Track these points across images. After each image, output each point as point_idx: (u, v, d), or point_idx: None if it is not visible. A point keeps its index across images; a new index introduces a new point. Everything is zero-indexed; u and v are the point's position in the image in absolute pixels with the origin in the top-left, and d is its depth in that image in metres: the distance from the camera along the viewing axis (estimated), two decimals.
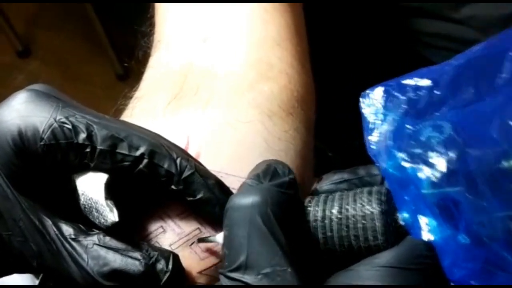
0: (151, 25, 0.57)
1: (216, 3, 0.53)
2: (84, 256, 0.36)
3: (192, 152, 0.42)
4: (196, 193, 0.39)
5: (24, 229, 0.37)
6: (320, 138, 0.53)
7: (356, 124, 0.78)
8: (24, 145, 0.37)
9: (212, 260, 0.40)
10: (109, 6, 1.78)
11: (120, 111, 0.50)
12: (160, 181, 0.39)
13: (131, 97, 0.51)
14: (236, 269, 0.34)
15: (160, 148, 0.38)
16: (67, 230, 0.37)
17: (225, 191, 0.40)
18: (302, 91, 0.50)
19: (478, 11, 0.68)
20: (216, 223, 0.40)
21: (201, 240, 0.40)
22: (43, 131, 0.37)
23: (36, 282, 0.44)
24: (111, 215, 0.37)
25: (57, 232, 0.37)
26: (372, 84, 0.79)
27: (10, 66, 1.92)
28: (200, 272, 0.40)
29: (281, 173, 0.38)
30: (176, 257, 0.38)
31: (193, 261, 0.40)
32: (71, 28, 1.94)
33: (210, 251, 0.40)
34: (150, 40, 0.56)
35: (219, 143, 0.44)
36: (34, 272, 0.40)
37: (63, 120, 0.38)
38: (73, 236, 0.37)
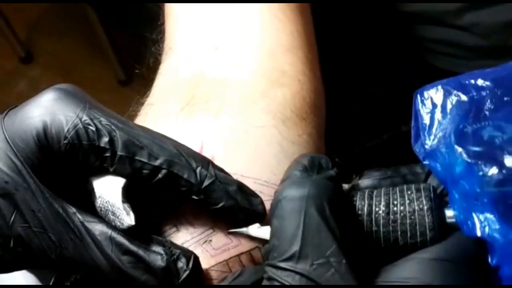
0: (162, 32, 0.57)
1: (226, 7, 0.53)
2: (108, 242, 0.37)
3: (206, 156, 0.43)
4: (218, 201, 0.39)
5: (43, 219, 0.38)
6: (324, 141, 0.54)
7: (357, 124, 0.79)
8: (48, 142, 0.38)
9: (223, 257, 0.41)
10: (111, 11, 1.78)
11: (131, 117, 0.51)
12: (180, 191, 0.39)
13: (142, 103, 0.51)
14: (288, 259, 0.34)
15: (179, 158, 0.39)
16: (91, 219, 0.38)
17: (248, 195, 0.40)
18: (314, 97, 0.51)
19: (481, 18, 0.69)
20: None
21: (232, 232, 0.40)
22: (67, 130, 0.38)
23: (37, 281, 0.45)
24: (128, 218, 0.38)
25: (81, 219, 0.38)
26: (374, 85, 0.79)
27: (12, 72, 1.91)
28: (210, 269, 0.40)
29: (325, 166, 0.38)
30: (196, 258, 0.38)
31: (205, 258, 0.40)
32: (73, 34, 1.94)
33: (221, 249, 0.41)
34: (160, 47, 0.57)
35: (233, 146, 0.45)
36: (51, 266, 0.40)
37: (88, 121, 0.38)
38: (98, 225, 0.38)
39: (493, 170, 0.35)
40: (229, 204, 0.39)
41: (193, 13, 0.54)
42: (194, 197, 0.39)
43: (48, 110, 0.38)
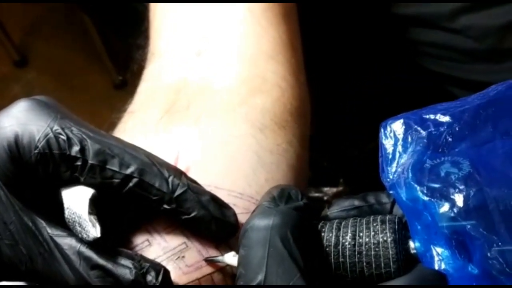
0: (146, 37, 0.57)
1: (210, 12, 0.52)
2: (76, 257, 0.37)
3: (181, 166, 0.42)
4: (190, 211, 0.39)
5: (14, 232, 0.38)
6: (316, 144, 0.53)
7: (353, 126, 0.79)
8: (19, 152, 0.37)
9: (195, 275, 0.40)
10: (106, 16, 1.79)
11: (114, 124, 0.50)
12: (152, 200, 0.39)
13: (125, 111, 0.51)
14: None
15: (151, 167, 0.38)
16: (60, 233, 0.37)
17: (221, 206, 0.40)
18: (296, 104, 0.50)
19: (475, 21, 0.68)
20: (213, 240, 0.40)
21: (209, 260, 0.40)
22: (38, 139, 0.37)
23: None
24: (94, 230, 0.37)
25: (50, 233, 0.37)
26: (367, 90, 0.79)
27: (7, 76, 1.91)
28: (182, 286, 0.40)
29: (294, 197, 0.38)
30: (167, 272, 0.38)
31: (177, 275, 0.40)
32: (68, 38, 1.94)
33: (194, 267, 0.40)
34: (144, 53, 0.56)
35: (209, 157, 0.44)
36: (21, 279, 0.39)
37: (59, 131, 0.38)
38: (66, 239, 0.37)
39: (445, 208, 0.35)
40: (201, 214, 0.39)
41: (176, 19, 0.54)
42: (166, 206, 0.39)
43: (19, 120, 0.38)
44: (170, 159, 0.42)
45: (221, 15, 0.52)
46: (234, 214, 0.40)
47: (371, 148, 0.80)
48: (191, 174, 0.41)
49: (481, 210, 0.35)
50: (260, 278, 0.34)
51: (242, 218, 0.41)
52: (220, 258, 0.39)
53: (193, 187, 0.39)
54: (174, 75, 0.50)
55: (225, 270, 0.41)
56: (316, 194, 0.58)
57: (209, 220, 0.39)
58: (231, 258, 0.39)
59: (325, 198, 0.43)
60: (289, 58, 0.52)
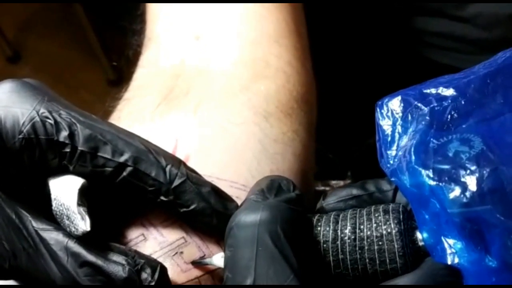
0: (142, 22, 0.55)
1: (210, 2, 0.51)
2: (64, 253, 0.34)
3: (180, 156, 0.40)
4: (189, 203, 0.36)
5: None
6: (320, 138, 0.51)
7: (355, 121, 0.77)
8: (1, 137, 0.35)
9: (194, 273, 0.38)
10: (101, 12, 1.78)
11: (108, 113, 0.48)
12: (147, 191, 0.36)
13: (119, 99, 0.48)
14: None
15: (147, 154, 0.36)
16: (46, 226, 0.35)
17: (222, 199, 0.37)
18: (302, 91, 0.48)
19: (484, 9, 0.67)
20: (213, 235, 0.38)
21: (196, 263, 0.37)
22: (23, 123, 0.35)
23: None
24: (83, 224, 0.34)
25: (35, 227, 0.34)
26: (372, 82, 0.77)
27: (0, 72, 1.90)
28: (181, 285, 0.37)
29: (285, 188, 0.35)
30: (163, 269, 0.35)
31: (175, 272, 0.37)
32: (62, 34, 1.94)
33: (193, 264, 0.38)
34: (141, 38, 0.54)
35: (210, 146, 0.42)
36: (5, 277, 0.37)
37: (46, 114, 0.35)
38: (53, 233, 0.34)
39: (456, 192, 0.31)
40: (201, 207, 0.36)
41: (174, 2, 0.51)
42: (163, 198, 0.36)
43: (2, 103, 0.35)
44: (168, 148, 0.39)
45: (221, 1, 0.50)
46: (237, 207, 0.37)
47: (373, 142, 0.79)
48: (190, 164, 0.39)
49: (497, 192, 0.31)
50: (249, 281, 0.31)
51: None
52: (208, 260, 0.36)
53: (193, 177, 0.36)
54: (172, 60, 0.48)
55: None
56: (323, 188, 0.56)
57: (209, 214, 0.36)
58: (219, 260, 0.36)
59: None
60: (294, 43, 0.50)
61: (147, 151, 0.36)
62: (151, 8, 0.53)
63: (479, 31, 0.68)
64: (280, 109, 0.45)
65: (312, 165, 0.48)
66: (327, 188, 0.40)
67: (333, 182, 0.42)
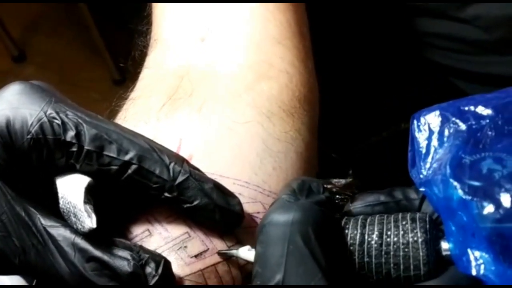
0: (148, 23, 0.55)
1: (215, 2, 0.51)
2: (71, 249, 0.35)
3: (184, 154, 0.41)
4: (192, 199, 0.37)
5: (6, 223, 0.36)
6: (322, 137, 0.51)
7: (357, 121, 0.78)
8: (10, 138, 0.36)
9: (198, 266, 0.38)
10: (106, 11, 1.78)
11: (114, 112, 0.49)
12: (152, 188, 0.37)
13: (126, 98, 0.49)
14: None
15: (151, 153, 0.37)
16: (54, 223, 0.36)
17: (225, 195, 0.38)
18: (305, 90, 0.48)
19: (484, 11, 0.67)
20: (216, 230, 0.39)
21: (222, 253, 0.38)
22: (31, 124, 0.36)
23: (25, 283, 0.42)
24: (89, 221, 0.35)
25: (44, 224, 0.36)
26: (373, 82, 0.77)
27: (6, 71, 1.91)
28: (184, 278, 0.38)
29: (315, 190, 0.36)
30: (167, 263, 0.36)
31: (179, 266, 0.38)
32: (68, 33, 1.94)
33: (197, 257, 0.39)
34: (147, 39, 0.55)
35: (213, 144, 0.43)
36: (14, 272, 0.38)
37: (53, 115, 0.36)
38: (60, 230, 0.35)
39: (490, 208, 0.33)
40: (204, 202, 0.37)
41: (180, 3, 0.52)
42: (167, 194, 0.37)
43: (11, 104, 0.36)
44: (172, 147, 0.40)
45: (227, 2, 0.51)
46: (239, 203, 0.38)
47: (375, 141, 0.79)
48: (194, 162, 0.40)
49: None
50: (278, 277, 0.32)
51: (248, 207, 0.40)
52: (234, 252, 0.37)
53: (196, 174, 0.38)
54: (177, 61, 0.49)
55: (230, 260, 0.39)
56: (325, 186, 0.57)
57: (212, 209, 0.37)
58: (246, 253, 0.37)
59: (334, 190, 0.41)
60: (297, 44, 0.50)
61: (151, 150, 0.37)
62: (157, 9, 0.54)
63: (479, 32, 0.68)
64: (283, 108, 0.46)
65: (315, 163, 0.49)
66: (329, 186, 0.41)
67: (335, 180, 0.42)
